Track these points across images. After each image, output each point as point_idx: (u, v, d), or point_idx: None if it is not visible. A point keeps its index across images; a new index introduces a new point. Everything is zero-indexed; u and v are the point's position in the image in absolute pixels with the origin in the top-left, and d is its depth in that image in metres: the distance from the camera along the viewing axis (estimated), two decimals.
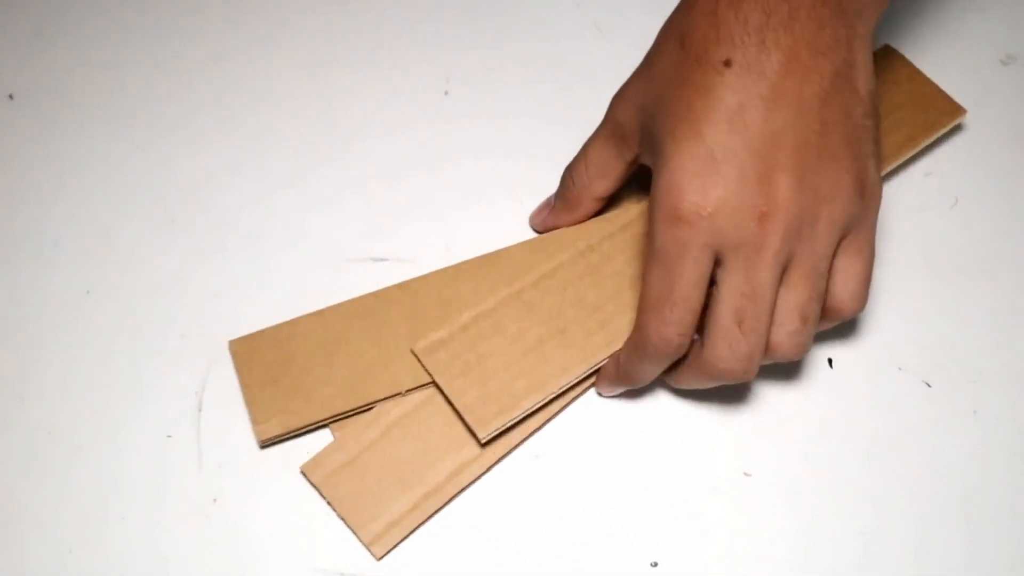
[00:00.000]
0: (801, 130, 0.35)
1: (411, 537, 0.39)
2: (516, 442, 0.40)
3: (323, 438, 0.41)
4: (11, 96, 0.48)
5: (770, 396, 0.42)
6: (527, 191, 0.46)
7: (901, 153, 0.45)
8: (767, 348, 0.37)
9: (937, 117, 0.46)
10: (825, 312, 0.38)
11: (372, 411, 0.40)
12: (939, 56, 0.50)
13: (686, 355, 0.39)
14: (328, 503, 0.39)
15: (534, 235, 0.45)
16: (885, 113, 0.45)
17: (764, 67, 0.35)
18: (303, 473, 0.40)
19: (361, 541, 0.39)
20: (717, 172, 0.35)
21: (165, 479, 0.40)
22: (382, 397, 0.40)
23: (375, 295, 0.42)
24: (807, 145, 0.35)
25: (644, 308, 0.37)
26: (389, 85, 0.49)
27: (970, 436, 0.41)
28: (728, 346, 0.36)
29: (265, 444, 0.40)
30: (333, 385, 0.40)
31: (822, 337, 0.43)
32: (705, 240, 0.35)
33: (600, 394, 0.42)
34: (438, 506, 0.39)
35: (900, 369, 0.43)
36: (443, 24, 0.51)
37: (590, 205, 0.43)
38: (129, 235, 0.45)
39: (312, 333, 0.41)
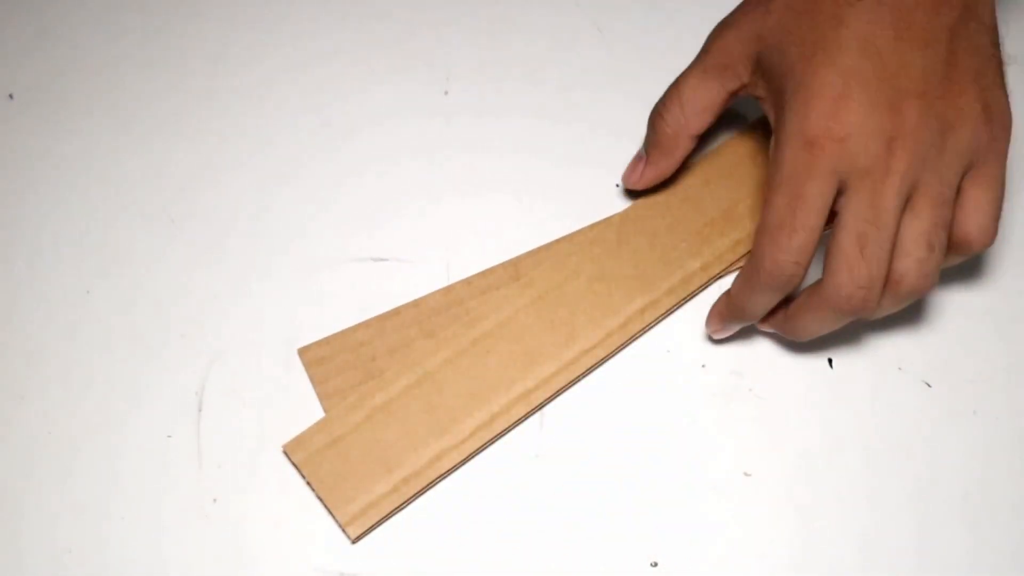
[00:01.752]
0: (930, 59, 0.36)
1: (410, 536, 0.39)
2: (500, 430, 0.40)
3: (312, 417, 0.41)
4: (11, 96, 0.48)
5: (770, 396, 0.42)
6: (527, 191, 0.46)
7: None
8: (892, 281, 0.37)
9: None
10: (953, 245, 0.38)
11: (357, 395, 0.41)
12: None
13: (797, 296, 0.39)
14: (307, 482, 0.39)
15: (541, 236, 0.45)
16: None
17: None
18: (284, 452, 0.40)
19: (337, 522, 0.39)
20: (850, 98, 0.35)
21: (165, 479, 0.40)
22: (448, 468, 0.40)
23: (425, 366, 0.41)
24: (935, 74, 0.36)
25: (763, 234, 0.37)
26: (389, 84, 0.49)
27: (970, 436, 0.41)
28: (849, 272, 0.36)
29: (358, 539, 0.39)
30: (401, 467, 0.40)
31: (822, 337, 0.43)
32: (834, 165, 0.35)
33: (711, 337, 0.42)
34: (416, 490, 0.39)
35: (900, 369, 0.43)
36: (443, 24, 0.51)
37: (687, 145, 0.42)
38: (129, 235, 0.45)
39: (368, 419, 0.41)
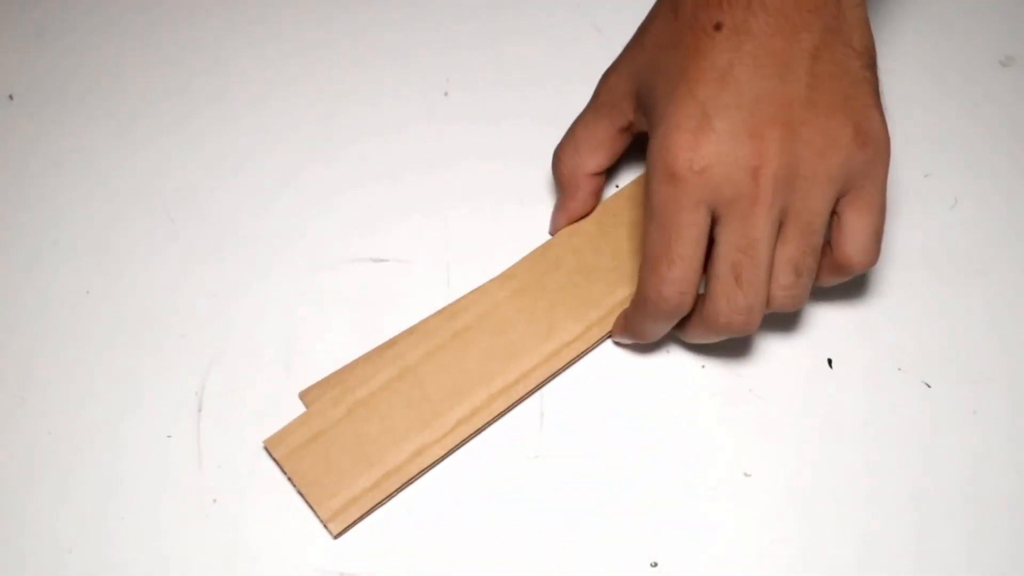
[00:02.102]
0: (792, 85, 0.36)
1: (410, 536, 0.39)
2: (481, 424, 0.41)
3: (292, 414, 0.41)
4: (11, 96, 0.48)
5: (770, 396, 0.42)
6: (527, 191, 0.46)
7: None
8: (768, 301, 0.38)
9: None
10: (834, 267, 0.39)
11: (338, 389, 0.41)
12: (939, 57, 0.50)
13: (693, 309, 0.39)
14: (288, 479, 0.39)
15: (541, 236, 0.45)
16: None
17: (752, 27, 0.35)
18: (265, 447, 0.40)
19: (319, 518, 0.39)
20: (710, 129, 0.35)
21: (165, 479, 0.40)
22: (429, 462, 0.40)
23: (394, 351, 0.42)
24: (797, 99, 0.36)
25: (644, 267, 0.38)
26: (389, 86, 0.49)
27: (970, 436, 0.41)
28: (727, 300, 0.37)
29: (340, 535, 0.39)
30: (382, 461, 0.40)
31: (822, 337, 0.43)
32: (700, 196, 0.35)
33: (615, 342, 0.43)
34: (398, 485, 0.39)
35: (900, 369, 0.43)
36: (443, 24, 0.51)
37: (588, 184, 0.43)
38: (129, 235, 0.45)
39: (346, 415, 0.41)
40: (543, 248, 0.44)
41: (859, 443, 0.41)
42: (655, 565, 0.39)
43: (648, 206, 0.37)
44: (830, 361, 0.43)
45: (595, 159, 0.43)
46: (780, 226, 0.37)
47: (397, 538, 0.39)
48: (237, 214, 0.46)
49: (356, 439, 0.40)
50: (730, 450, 0.41)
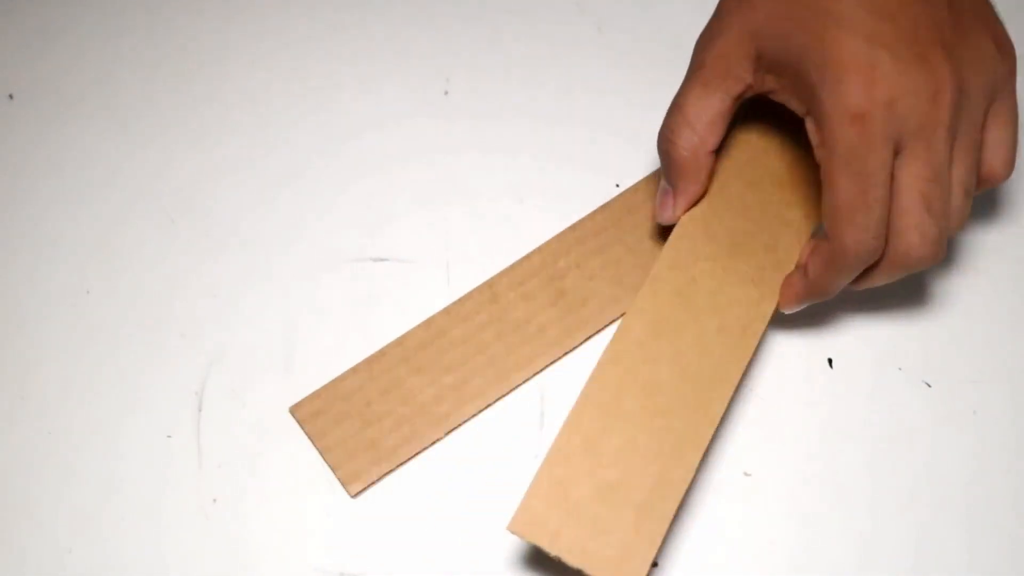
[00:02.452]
0: (935, 8, 0.36)
1: (410, 536, 0.39)
2: (503, 393, 0.41)
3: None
4: (11, 96, 0.48)
5: (770, 396, 0.42)
6: (527, 191, 0.46)
7: None
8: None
9: None
10: (978, 181, 0.39)
11: (360, 363, 0.42)
12: None
13: None
14: (310, 439, 0.40)
15: (541, 237, 0.45)
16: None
17: None
18: (291, 412, 0.41)
19: (338, 478, 0.39)
20: (880, 62, 0.35)
21: (165, 479, 0.40)
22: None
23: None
24: (945, 22, 0.36)
25: (837, 218, 0.36)
26: (389, 85, 0.49)
27: (970, 436, 0.41)
28: (920, 234, 0.36)
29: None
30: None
31: (822, 337, 0.43)
32: (888, 131, 0.35)
33: (784, 311, 0.40)
34: (418, 449, 0.40)
35: (900, 369, 0.43)
36: (443, 24, 0.51)
37: (708, 163, 0.40)
38: (129, 235, 0.45)
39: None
40: (671, 257, 0.40)
41: (859, 443, 0.41)
42: (655, 565, 0.39)
43: (833, 155, 0.36)
44: (830, 361, 0.43)
45: (714, 135, 0.40)
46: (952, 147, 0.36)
47: (397, 538, 0.39)
48: (237, 214, 0.46)
49: (378, 405, 0.41)
50: (730, 450, 0.41)
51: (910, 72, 0.35)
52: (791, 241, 0.41)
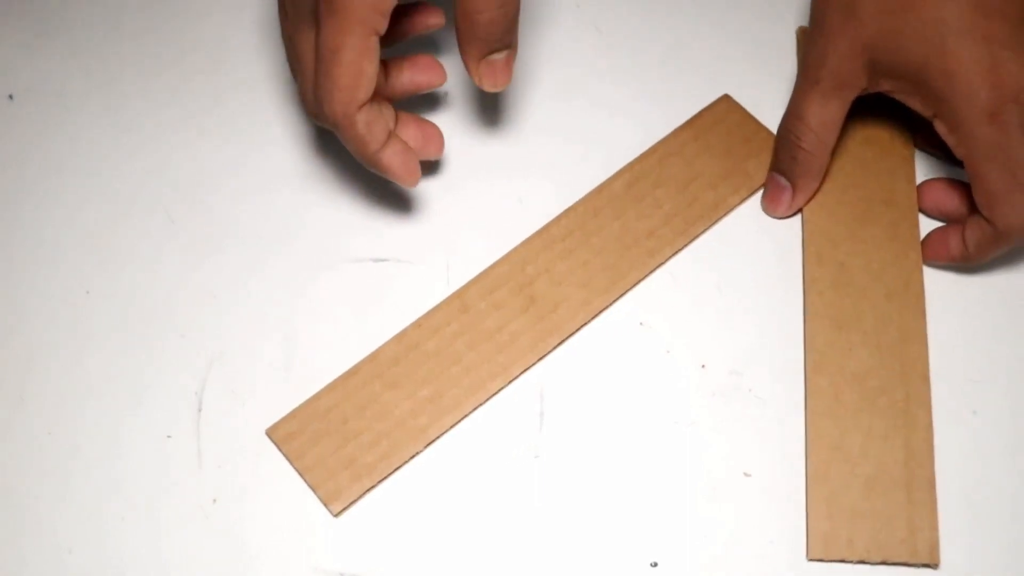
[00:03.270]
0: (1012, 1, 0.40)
1: (409, 536, 0.39)
2: (482, 401, 0.41)
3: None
4: (11, 96, 0.48)
5: (770, 396, 0.42)
6: (527, 191, 0.46)
7: (737, 196, 0.46)
8: None
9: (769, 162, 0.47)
10: None
11: (337, 379, 0.41)
12: None
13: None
14: (288, 460, 0.40)
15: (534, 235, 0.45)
16: (720, 158, 0.46)
17: None
18: (267, 435, 0.40)
19: (319, 498, 0.39)
20: (1000, 60, 0.39)
21: (165, 479, 0.40)
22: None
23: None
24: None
25: (996, 204, 0.40)
26: None
27: (970, 436, 0.41)
28: None
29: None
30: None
31: None
32: (1022, 119, 0.39)
33: (929, 264, 0.44)
34: (397, 465, 0.40)
35: None
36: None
37: (827, 162, 0.45)
38: (129, 235, 0.45)
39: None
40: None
41: None
42: (655, 565, 0.39)
43: (973, 151, 0.40)
44: None
45: (833, 136, 0.44)
46: None
47: (397, 538, 0.39)
48: (237, 214, 0.46)
49: (355, 422, 0.40)
50: (730, 450, 0.41)
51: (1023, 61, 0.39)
52: (905, 189, 0.45)
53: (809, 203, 0.45)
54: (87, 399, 0.41)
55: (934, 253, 0.44)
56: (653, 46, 0.50)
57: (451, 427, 0.41)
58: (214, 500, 0.40)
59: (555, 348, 0.43)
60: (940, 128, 0.41)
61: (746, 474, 0.41)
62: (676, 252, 0.44)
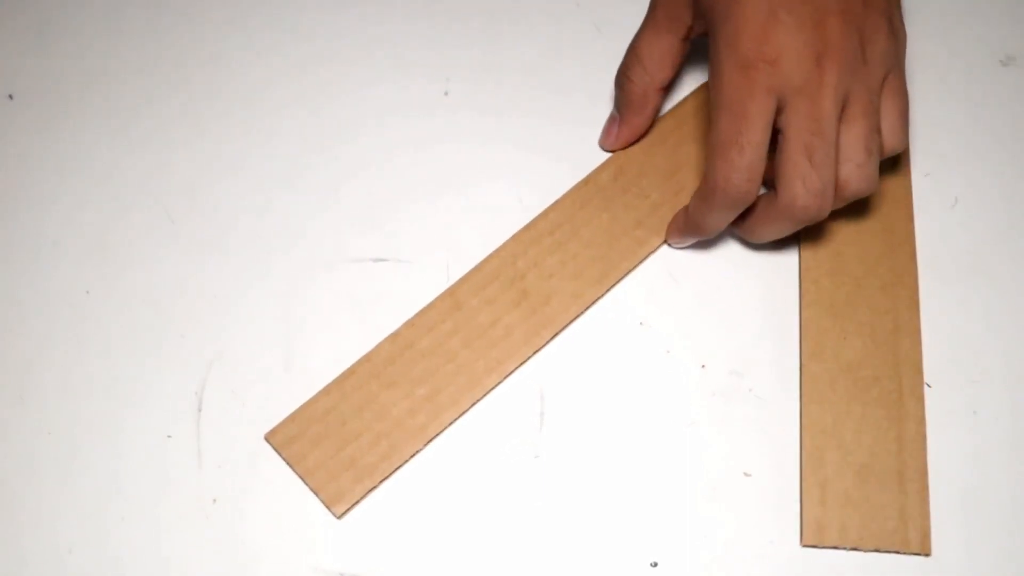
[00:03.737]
0: None
1: (409, 536, 0.39)
2: (478, 397, 0.41)
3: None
4: (11, 96, 0.48)
5: (770, 396, 0.42)
6: (528, 191, 0.46)
7: None
8: (838, 186, 0.40)
9: None
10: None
11: (333, 381, 0.41)
12: (939, 57, 0.50)
13: (754, 207, 0.41)
14: (289, 465, 0.40)
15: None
16: (704, 145, 0.47)
17: None
18: (266, 440, 0.40)
19: (322, 501, 0.39)
20: (777, 20, 0.38)
21: (165, 479, 0.40)
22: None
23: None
24: None
25: (712, 155, 0.39)
26: (389, 85, 0.49)
27: (970, 436, 0.41)
28: (802, 182, 0.39)
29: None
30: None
31: None
32: (770, 84, 0.38)
33: (671, 245, 0.45)
34: (398, 465, 0.40)
35: None
36: (443, 24, 0.51)
37: (656, 99, 0.45)
38: (129, 235, 0.45)
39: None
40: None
41: None
42: (655, 565, 0.39)
43: (717, 96, 0.39)
44: None
45: (663, 72, 0.44)
46: (843, 108, 0.39)
47: (397, 538, 0.39)
48: (237, 214, 0.46)
49: (354, 424, 0.40)
50: (730, 450, 0.41)
51: (802, 34, 0.38)
52: (899, 182, 0.46)
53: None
54: (87, 399, 0.41)
55: (668, 230, 0.44)
56: None
57: (449, 424, 0.41)
58: (214, 500, 0.40)
59: (549, 342, 0.43)
60: (709, 68, 0.40)
61: (746, 474, 0.41)
62: (664, 242, 0.45)
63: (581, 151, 0.47)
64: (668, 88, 0.46)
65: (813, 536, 0.39)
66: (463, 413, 0.41)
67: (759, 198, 0.41)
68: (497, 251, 0.44)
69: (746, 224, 0.42)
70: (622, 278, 0.44)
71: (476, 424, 0.41)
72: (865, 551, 0.39)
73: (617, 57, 0.50)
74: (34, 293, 0.44)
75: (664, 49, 0.44)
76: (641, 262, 0.44)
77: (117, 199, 0.46)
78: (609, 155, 0.47)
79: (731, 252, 0.45)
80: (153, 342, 0.43)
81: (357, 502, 0.40)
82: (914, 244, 0.44)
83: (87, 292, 0.44)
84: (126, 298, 0.44)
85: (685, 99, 0.48)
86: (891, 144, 0.41)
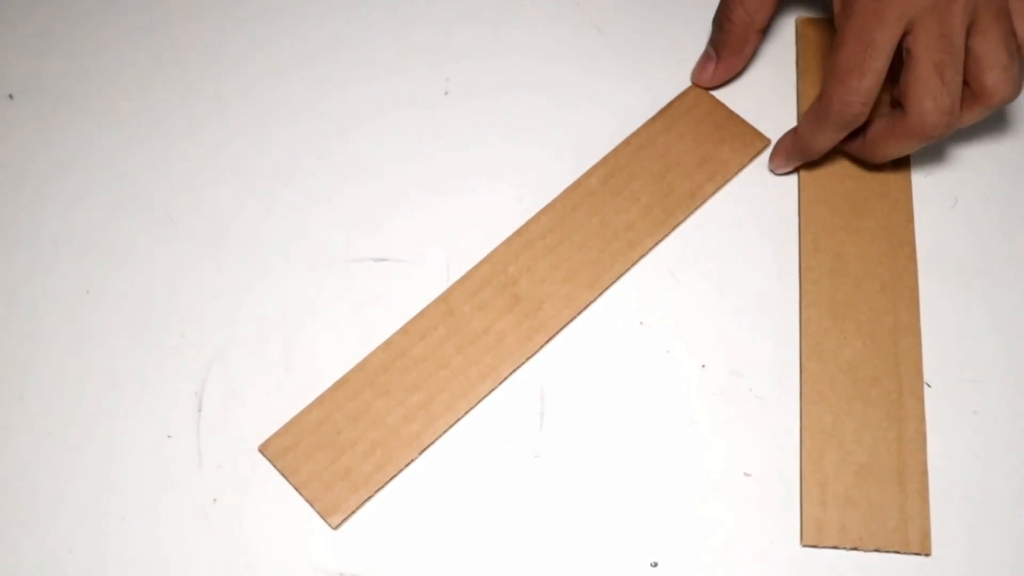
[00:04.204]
0: None
1: (409, 536, 0.39)
2: (469, 407, 0.41)
3: (292, 413, 0.41)
4: (11, 96, 0.48)
5: (770, 396, 0.42)
6: (528, 191, 0.46)
7: (713, 183, 0.46)
8: (984, 95, 0.41)
9: (742, 148, 0.47)
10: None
11: (327, 390, 0.41)
12: None
13: (872, 125, 0.43)
14: (283, 476, 0.40)
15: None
16: (693, 147, 0.47)
17: None
18: (261, 451, 0.40)
19: (317, 512, 0.39)
20: None
21: (165, 479, 0.40)
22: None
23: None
24: None
25: (833, 77, 0.41)
26: (390, 85, 0.49)
27: (970, 436, 0.41)
28: (933, 100, 0.40)
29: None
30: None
31: None
32: (901, 10, 0.39)
33: (773, 170, 0.46)
34: (393, 474, 0.40)
35: None
36: (443, 24, 0.51)
37: (756, 40, 0.47)
38: (129, 235, 0.45)
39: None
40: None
41: None
42: (655, 565, 0.39)
43: (848, 21, 0.40)
44: None
45: (763, 13, 0.46)
46: (971, 23, 0.40)
47: (397, 538, 0.39)
48: (237, 214, 0.46)
49: (348, 433, 0.40)
50: (730, 450, 0.41)
51: None
52: (900, 183, 0.46)
53: (805, 193, 0.46)
54: (87, 399, 0.41)
55: (774, 153, 0.46)
56: (653, 44, 0.50)
57: (444, 431, 0.41)
58: (214, 500, 0.40)
59: (544, 346, 0.43)
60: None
61: (746, 474, 0.41)
62: (657, 243, 0.45)
63: (582, 151, 0.47)
64: (766, 30, 0.47)
65: (813, 536, 0.39)
66: (458, 420, 0.41)
67: (881, 117, 0.42)
68: (488, 256, 0.44)
69: (867, 143, 0.43)
70: (615, 281, 0.44)
71: (476, 424, 0.41)
72: (865, 551, 0.39)
73: (617, 57, 0.50)
74: (34, 293, 0.44)
75: None
76: (633, 265, 0.44)
77: (117, 198, 0.46)
78: (603, 156, 0.46)
79: (731, 252, 0.45)
80: (153, 342, 0.43)
81: (353, 512, 0.39)
82: (914, 244, 0.44)
83: (87, 292, 0.44)
84: (126, 297, 0.44)
85: (672, 101, 0.48)
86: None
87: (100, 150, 0.47)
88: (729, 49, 0.47)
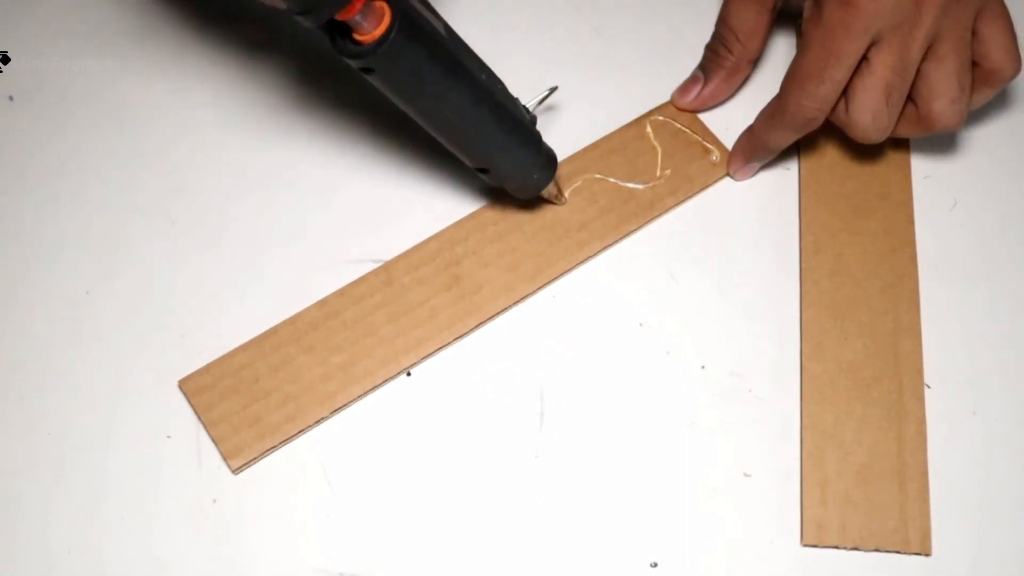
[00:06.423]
0: None
1: (409, 536, 0.39)
2: (388, 376, 0.41)
3: None
4: (11, 97, 0.48)
5: (770, 397, 0.42)
6: None
7: (674, 198, 0.46)
8: (929, 120, 0.42)
9: (711, 168, 0.47)
10: (984, 79, 0.42)
11: (252, 341, 0.42)
12: None
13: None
14: (196, 412, 0.40)
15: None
16: (663, 159, 0.47)
17: None
18: (179, 387, 0.41)
19: (220, 452, 0.39)
20: None
21: (165, 479, 0.40)
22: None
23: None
24: None
25: (792, 80, 0.41)
26: None
27: (970, 436, 0.41)
28: (873, 119, 0.41)
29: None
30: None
31: None
32: (868, 25, 0.39)
33: (733, 175, 0.46)
34: (302, 427, 0.40)
35: None
36: None
37: (747, 70, 0.48)
38: (129, 235, 0.45)
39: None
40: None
41: None
42: (655, 565, 0.39)
43: (816, 28, 0.40)
44: None
45: (755, 43, 0.46)
46: (932, 46, 0.40)
47: (397, 538, 0.39)
48: (237, 215, 0.46)
49: (266, 382, 0.41)
50: (730, 450, 0.41)
51: None
52: (900, 184, 0.46)
53: (806, 194, 0.46)
54: (86, 399, 0.41)
55: (732, 154, 0.46)
56: (652, 46, 0.50)
57: (359, 397, 0.41)
58: (214, 500, 0.40)
59: (473, 330, 0.43)
60: (807, 3, 0.42)
61: (746, 474, 0.41)
62: (606, 247, 0.45)
63: (566, 151, 0.47)
64: (757, 60, 0.47)
65: (813, 536, 0.39)
66: (375, 387, 0.41)
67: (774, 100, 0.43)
68: (437, 234, 0.44)
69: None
70: (557, 278, 0.44)
71: (477, 423, 0.41)
72: (865, 551, 0.39)
73: (616, 61, 0.50)
74: (34, 293, 0.44)
75: (752, 18, 0.45)
76: (579, 265, 0.44)
77: (117, 199, 0.46)
78: (571, 155, 0.47)
79: (731, 252, 0.45)
80: (153, 342, 0.43)
81: (255, 459, 0.40)
82: (914, 245, 0.44)
83: (87, 292, 0.44)
84: (126, 298, 0.44)
85: (650, 111, 0.48)
86: (1008, 67, 0.42)
87: (100, 150, 0.47)
88: (719, 77, 0.47)
